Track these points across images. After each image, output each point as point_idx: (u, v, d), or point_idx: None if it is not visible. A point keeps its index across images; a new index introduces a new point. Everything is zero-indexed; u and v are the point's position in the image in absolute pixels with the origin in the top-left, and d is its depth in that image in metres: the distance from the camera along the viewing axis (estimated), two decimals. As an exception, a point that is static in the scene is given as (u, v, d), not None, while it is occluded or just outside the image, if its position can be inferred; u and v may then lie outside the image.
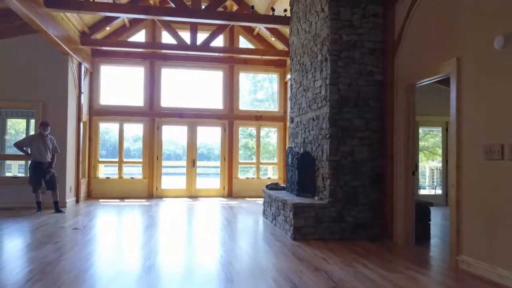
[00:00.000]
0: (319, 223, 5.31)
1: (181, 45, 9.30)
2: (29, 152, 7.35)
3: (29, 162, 7.46)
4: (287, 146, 6.93)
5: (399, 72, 5.27)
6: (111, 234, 5.81)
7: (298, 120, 6.85)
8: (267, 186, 7.25)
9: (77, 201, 8.93)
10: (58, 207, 7.49)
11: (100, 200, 9.49)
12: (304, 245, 4.95)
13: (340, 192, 5.38)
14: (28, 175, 7.53)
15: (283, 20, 7.91)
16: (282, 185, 7.28)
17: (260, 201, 9.64)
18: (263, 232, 6.01)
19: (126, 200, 9.72)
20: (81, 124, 9.14)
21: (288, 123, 10.58)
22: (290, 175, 6.38)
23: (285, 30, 9.40)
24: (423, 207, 5.57)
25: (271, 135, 27.03)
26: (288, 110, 9.96)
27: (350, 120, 5.47)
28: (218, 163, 10.90)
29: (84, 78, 9.37)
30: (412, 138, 5.14)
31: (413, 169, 5.17)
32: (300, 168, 6.01)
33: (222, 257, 4.40)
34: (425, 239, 5.40)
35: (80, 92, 9.02)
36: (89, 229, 5.87)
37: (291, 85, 7.37)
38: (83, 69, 9.19)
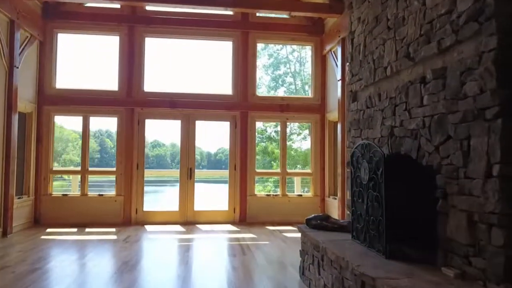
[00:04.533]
0: None
1: (169, -5, 6.09)
2: None
3: None
4: (346, 144, 3.56)
5: None
6: None
7: (371, 93, 3.48)
8: (308, 222, 3.85)
9: (5, 233, 5.74)
10: None
11: (49, 230, 6.29)
12: None
13: (532, 266, 1.96)
14: None
15: None
16: (340, 221, 3.87)
17: (290, 233, 6.29)
18: None
19: (89, 228, 6.50)
20: (15, 116, 5.99)
21: (328, 115, 7.20)
22: (366, 205, 2.97)
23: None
24: None
25: (293, 138, 23.61)
26: (337, 91, 6.60)
27: (550, 70, 2.06)
28: (226, 173, 7.59)
29: (24, 47, 6.24)
30: None
31: None
32: (392, 195, 2.63)
33: None
34: None
35: (12, 67, 5.88)
36: None
37: (352, 32, 4.01)
38: (19, 33, 6.06)
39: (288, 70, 22.25)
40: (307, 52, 22.69)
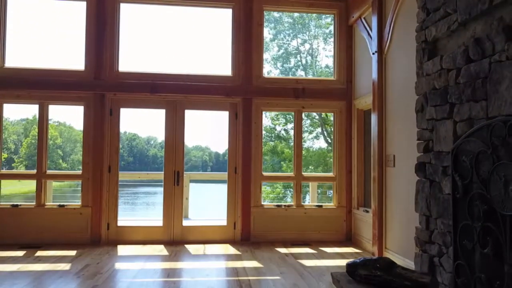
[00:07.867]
0: None
1: None
2: None
3: None
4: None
5: None
6: None
7: (480, 33, 1.79)
8: (354, 271, 2.16)
9: None
10: None
11: (-14, 254, 4.73)
12: None
13: None
14: None
15: None
16: (416, 273, 2.18)
17: (308, 259, 4.61)
18: None
19: (43, 250, 4.92)
20: None
21: (356, 102, 5.51)
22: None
23: None
24: None
25: (303, 136, 21.79)
26: (371, 69, 4.84)
27: None
28: (224, 176, 5.95)
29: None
30: None
31: None
32: None
33: None
34: None
35: None
36: None
37: None
38: None
39: (299, 63, 20.54)
40: (319, 43, 21.02)
